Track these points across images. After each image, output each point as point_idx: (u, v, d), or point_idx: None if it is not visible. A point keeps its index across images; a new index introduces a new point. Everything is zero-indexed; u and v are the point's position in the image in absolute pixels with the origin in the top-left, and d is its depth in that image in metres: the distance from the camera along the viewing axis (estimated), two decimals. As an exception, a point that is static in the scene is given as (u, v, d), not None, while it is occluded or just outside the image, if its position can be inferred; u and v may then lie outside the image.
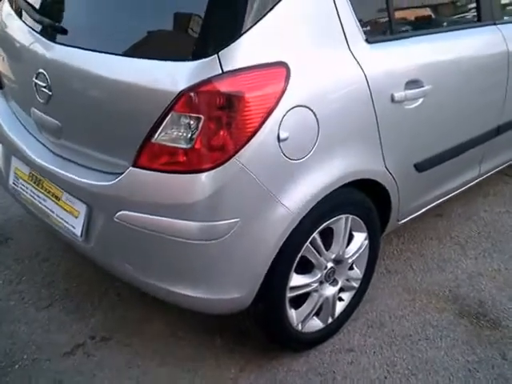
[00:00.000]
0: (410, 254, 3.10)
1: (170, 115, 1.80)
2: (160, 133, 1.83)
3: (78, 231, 2.16)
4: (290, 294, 2.15)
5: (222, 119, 1.79)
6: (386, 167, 2.28)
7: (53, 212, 2.29)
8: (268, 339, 2.31)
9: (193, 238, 1.88)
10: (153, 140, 1.84)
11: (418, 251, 3.12)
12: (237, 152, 1.80)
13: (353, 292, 2.48)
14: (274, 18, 1.84)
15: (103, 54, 1.98)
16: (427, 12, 2.54)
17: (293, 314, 2.23)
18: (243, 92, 1.78)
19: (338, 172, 2.07)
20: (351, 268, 2.43)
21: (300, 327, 2.29)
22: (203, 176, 1.80)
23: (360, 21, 2.08)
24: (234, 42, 1.78)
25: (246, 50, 1.80)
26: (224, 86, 1.77)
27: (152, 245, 1.97)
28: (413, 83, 2.26)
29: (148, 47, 1.93)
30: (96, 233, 2.13)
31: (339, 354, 2.41)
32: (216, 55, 1.77)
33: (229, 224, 1.87)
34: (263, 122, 1.82)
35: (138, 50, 1.93)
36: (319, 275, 2.23)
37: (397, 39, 2.26)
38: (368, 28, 2.15)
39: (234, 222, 1.87)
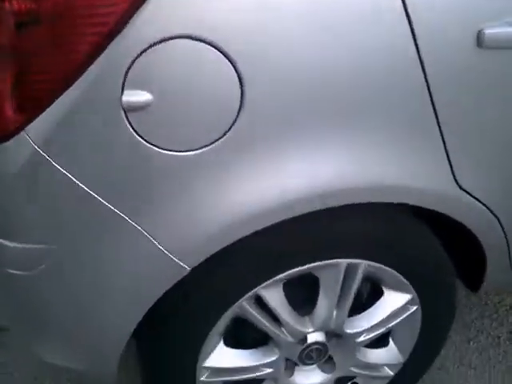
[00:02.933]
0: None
1: None
2: None
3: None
4: (209, 379, 1.21)
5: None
6: (458, 185, 1.08)
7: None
8: None
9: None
10: None
11: None
12: (30, 120, 0.89)
13: (381, 382, 1.40)
14: None
15: None
16: None
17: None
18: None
19: (304, 183, 0.99)
20: (383, 343, 1.34)
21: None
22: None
23: None
24: None
25: None
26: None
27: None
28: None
29: None
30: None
31: None
32: None
33: (39, 250, 1.00)
34: (90, 62, 0.85)
35: None
36: (277, 355, 1.22)
37: None
38: None
39: (45, 248, 0.99)
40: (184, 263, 0.99)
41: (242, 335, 1.25)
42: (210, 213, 0.96)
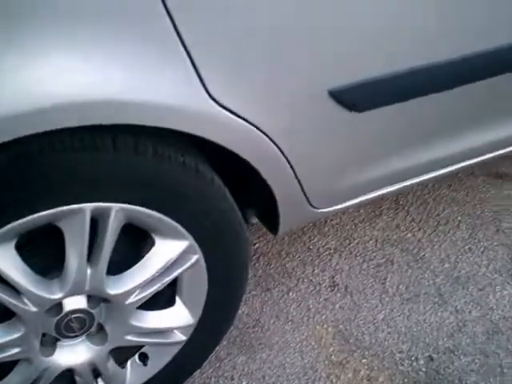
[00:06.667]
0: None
1: None
2: None
3: None
4: None
5: None
6: (213, 99, 0.90)
7: None
8: None
9: None
10: None
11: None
12: None
13: (173, 350, 1.21)
14: None
15: None
16: None
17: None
18: None
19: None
20: (169, 303, 1.15)
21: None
22: None
23: None
24: None
25: None
26: None
27: None
28: None
29: None
30: None
31: None
32: None
33: None
34: None
35: None
36: (22, 331, 0.98)
37: None
38: None
39: None
40: None
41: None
42: None
